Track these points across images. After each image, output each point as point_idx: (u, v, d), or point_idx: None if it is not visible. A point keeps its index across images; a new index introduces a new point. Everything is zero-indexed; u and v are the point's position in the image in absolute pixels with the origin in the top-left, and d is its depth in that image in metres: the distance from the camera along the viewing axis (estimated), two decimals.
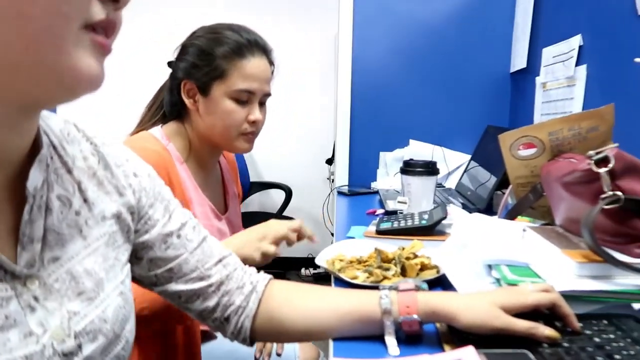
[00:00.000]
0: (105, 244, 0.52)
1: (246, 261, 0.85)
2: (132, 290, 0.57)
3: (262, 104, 1.07)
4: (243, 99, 1.01)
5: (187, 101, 1.03)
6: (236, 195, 1.25)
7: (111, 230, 0.54)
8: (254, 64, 1.01)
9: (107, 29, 0.40)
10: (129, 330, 0.54)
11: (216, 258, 0.67)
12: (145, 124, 1.09)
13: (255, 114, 1.03)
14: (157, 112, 1.10)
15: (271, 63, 1.06)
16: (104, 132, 0.58)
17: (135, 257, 0.61)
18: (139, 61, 3.08)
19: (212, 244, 0.68)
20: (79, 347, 0.46)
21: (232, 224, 1.18)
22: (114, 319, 0.51)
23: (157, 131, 1.03)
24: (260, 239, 0.90)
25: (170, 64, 1.08)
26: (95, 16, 0.38)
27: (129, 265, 0.57)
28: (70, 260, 0.48)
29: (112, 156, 0.57)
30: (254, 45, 1.02)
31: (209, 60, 1.00)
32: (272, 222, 0.94)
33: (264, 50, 1.04)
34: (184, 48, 1.04)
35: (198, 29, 1.06)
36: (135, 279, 0.63)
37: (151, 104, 1.12)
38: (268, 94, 1.06)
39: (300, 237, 0.94)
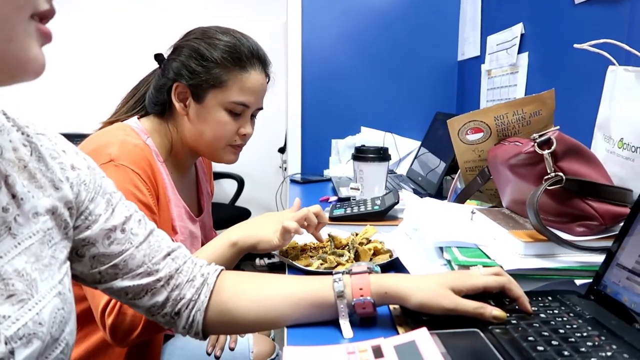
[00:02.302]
0: (39, 241, 0.49)
1: (262, 244, 0.85)
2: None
3: (252, 117, 1.05)
4: (237, 111, 0.99)
5: (177, 104, 0.98)
6: (209, 195, 1.22)
7: (45, 227, 0.50)
8: (254, 77, 0.99)
9: (47, 18, 0.41)
10: (69, 332, 0.51)
11: (164, 252, 0.64)
12: (120, 115, 1.04)
13: (247, 128, 1.02)
14: (135, 105, 1.05)
15: (268, 77, 1.04)
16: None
17: (76, 254, 0.57)
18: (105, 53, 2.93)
19: (159, 237, 0.65)
20: (11, 352, 0.43)
21: (205, 226, 1.15)
22: (51, 321, 0.47)
23: (135, 123, 0.98)
24: (278, 221, 0.86)
25: (158, 58, 1.03)
26: (42, 6, 0.40)
27: (68, 263, 0.54)
28: None
29: (46, 147, 0.53)
30: (255, 57, 0.99)
31: (207, 67, 0.95)
32: (288, 210, 0.92)
33: (264, 64, 1.01)
34: (179, 49, 0.99)
35: (194, 30, 1.01)
36: (76, 277, 0.60)
37: (129, 97, 1.06)
38: (261, 108, 1.05)
39: (319, 220, 0.90)
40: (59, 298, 0.49)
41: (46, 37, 0.41)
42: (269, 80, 1.05)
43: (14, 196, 0.48)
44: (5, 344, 0.42)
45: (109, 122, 1.02)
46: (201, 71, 0.96)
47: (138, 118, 1.01)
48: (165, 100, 1.00)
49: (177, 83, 0.97)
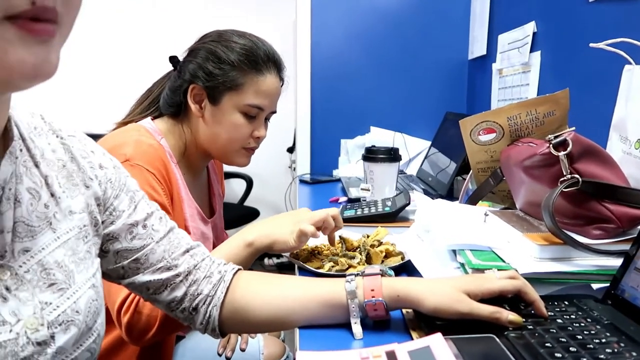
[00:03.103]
0: (75, 237, 0.53)
1: (278, 244, 0.84)
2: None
3: (266, 120, 1.06)
4: (252, 114, 1.00)
5: (193, 106, 0.99)
6: (221, 196, 1.23)
7: (81, 223, 0.54)
8: (269, 81, 1.00)
9: (44, 15, 0.36)
10: (100, 323, 0.54)
11: (183, 248, 0.66)
12: (134, 116, 1.05)
13: (261, 131, 1.03)
14: (149, 106, 1.06)
15: (282, 80, 1.04)
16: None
17: (101, 251, 0.60)
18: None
19: (179, 235, 0.68)
20: (52, 337, 0.47)
21: (217, 228, 1.16)
22: (86, 311, 0.51)
23: (149, 124, 0.99)
24: (295, 222, 0.85)
25: (173, 61, 1.04)
26: (16, 8, 0.34)
27: (98, 259, 0.57)
28: (40, 251, 0.48)
29: (77, 148, 0.57)
30: (271, 61, 1.00)
31: (224, 69, 0.96)
32: (304, 209, 0.91)
33: (279, 68, 1.02)
34: (195, 51, 1.00)
35: (210, 32, 1.02)
36: (103, 274, 0.62)
37: (144, 99, 1.08)
38: (274, 112, 1.06)
39: (336, 224, 0.89)
40: (93, 290, 0.53)
41: (36, 35, 0.36)
42: (282, 84, 1.05)
43: (52, 195, 0.51)
44: (47, 328, 0.46)
45: (123, 123, 1.03)
46: (218, 73, 0.96)
47: (152, 119, 1.01)
48: (180, 102, 1.01)
49: (194, 85, 0.98)
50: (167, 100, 1.02)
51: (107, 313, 0.86)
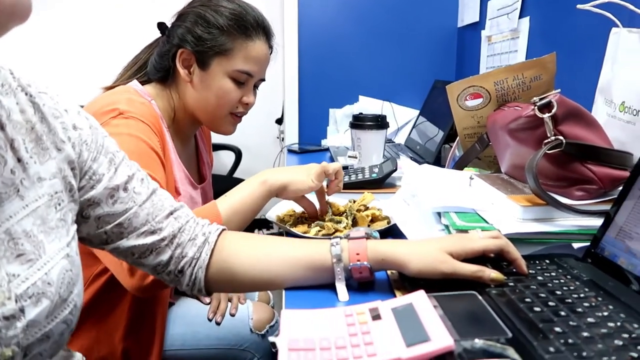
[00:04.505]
0: (45, 205, 0.49)
1: (293, 185, 0.88)
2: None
3: (255, 87, 1.05)
4: (241, 80, 0.99)
5: (182, 71, 0.98)
6: (210, 165, 1.22)
7: (52, 190, 0.50)
8: (258, 47, 0.98)
9: None
10: (77, 294, 0.51)
11: (167, 211, 0.65)
12: (122, 81, 1.03)
13: (250, 97, 1.02)
14: (137, 72, 1.04)
15: (271, 48, 1.03)
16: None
17: (81, 216, 0.58)
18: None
19: (162, 197, 0.66)
20: (21, 310, 0.44)
21: (206, 196, 1.15)
22: (59, 282, 0.48)
23: (137, 86, 0.98)
24: (308, 169, 0.91)
25: (161, 26, 1.02)
26: None
27: (75, 226, 0.54)
28: (7, 220, 0.45)
29: (49, 106, 0.53)
30: (260, 27, 0.99)
31: (213, 34, 0.95)
32: (313, 163, 0.95)
33: (268, 34, 1.01)
34: (184, 15, 0.98)
35: None
36: (83, 239, 0.61)
37: (131, 64, 1.06)
38: (263, 79, 1.05)
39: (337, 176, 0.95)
40: (67, 260, 0.50)
41: None
42: (272, 52, 1.04)
43: (19, 160, 0.48)
44: (16, 301, 0.44)
45: (110, 87, 1.01)
46: (207, 38, 0.95)
47: (140, 84, 1.00)
48: (168, 67, 1.00)
49: (182, 49, 0.97)
50: (155, 65, 1.01)
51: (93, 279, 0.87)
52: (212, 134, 1.21)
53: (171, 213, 0.65)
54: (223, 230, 0.69)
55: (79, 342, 0.88)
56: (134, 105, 0.87)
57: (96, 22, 2.95)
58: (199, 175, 1.17)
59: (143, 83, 1.02)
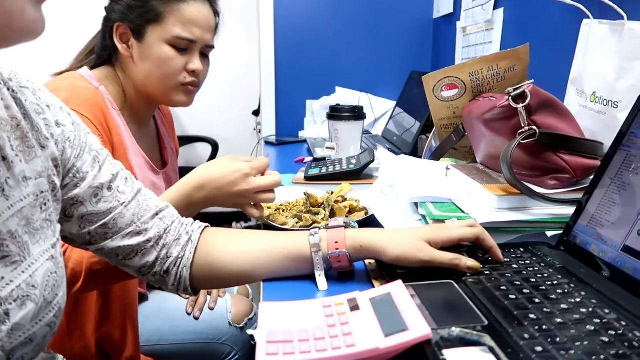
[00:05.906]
0: (30, 205, 0.48)
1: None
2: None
3: (204, 55, 1.01)
4: (182, 46, 0.95)
5: (120, 46, 0.95)
6: (174, 151, 1.18)
7: (38, 190, 0.49)
8: (194, 8, 0.94)
9: None
10: (62, 297, 0.51)
11: (153, 211, 0.63)
12: (72, 67, 1.00)
13: (195, 64, 0.97)
14: (87, 57, 1.01)
15: (216, 13, 0.99)
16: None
17: (64, 215, 0.57)
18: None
19: (147, 197, 0.65)
20: (6, 313, 0.43)
21: (170, 181, 1.11)
22: (44, 284, 0.47)
23: (85, 72, 0.95)
24: (232, 158, 0.79)
25: (106, 8, 0.99)
26: None
27: (58, 226, 0.53)
28: None
29: (31, 102, 0.51)
30: None
31: (144, 1, 0.92)
32: (242, 157, 0.82)
33: None
34: None
35: None
36: (66, 239, 0.59)
37: (84, 50, 1.03)
38: (210, 46, 1.00)
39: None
40: (51, 262, 0.49)
41: None
42: (218, 17, 1.01)
43: (4, 158, 0.46)
44: (0, 304, 0.43)
45: (59, 74, 0.98)
46: (136, 5, 0.93)
47: (90, 69, 0.97)
48: (111, 46, 0.97)
49: (118, 23, 0.94)
50: (100, 46, 0.99)
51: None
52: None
53: (157, 214, 0.64)
54: (206, 227, 0.68)
55: (52, 338, 0.86)
56: (77, 92, 0.85)
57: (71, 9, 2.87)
58: (162, 160, 1.14)
59: (92, 67, 0.99)
